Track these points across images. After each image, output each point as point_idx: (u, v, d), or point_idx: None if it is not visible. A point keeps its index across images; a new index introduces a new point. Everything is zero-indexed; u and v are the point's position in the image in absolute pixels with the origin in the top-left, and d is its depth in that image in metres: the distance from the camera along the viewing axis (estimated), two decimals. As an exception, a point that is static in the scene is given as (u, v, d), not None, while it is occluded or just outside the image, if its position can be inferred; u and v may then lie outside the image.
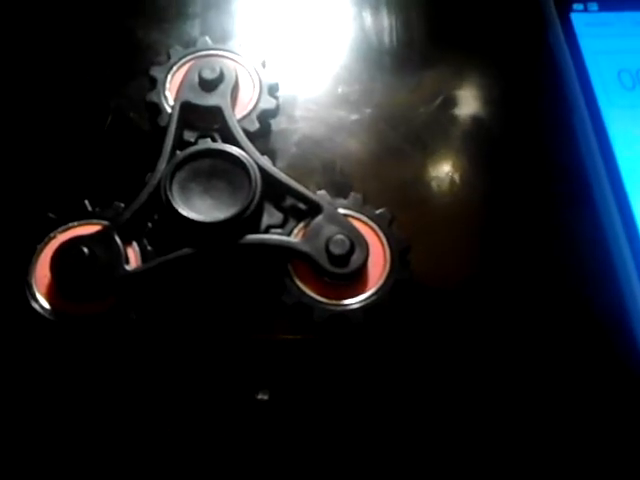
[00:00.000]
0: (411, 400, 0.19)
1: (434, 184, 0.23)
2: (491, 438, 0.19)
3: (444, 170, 0.23)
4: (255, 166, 0.19)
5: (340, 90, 0.24)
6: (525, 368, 0.20)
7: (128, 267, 0.18)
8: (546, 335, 0.20)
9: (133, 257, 0.19)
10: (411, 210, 0.22)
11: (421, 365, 0.20)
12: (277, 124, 0.23)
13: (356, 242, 0.19)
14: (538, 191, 0.22)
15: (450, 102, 0.24)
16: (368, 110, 0.24)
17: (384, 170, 0.23)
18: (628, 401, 0.19)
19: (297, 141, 0.23)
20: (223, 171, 0.19)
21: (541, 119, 0.24)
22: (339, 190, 0.21)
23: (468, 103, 0.24)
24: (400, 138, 0.23)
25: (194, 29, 0.24)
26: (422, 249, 0.21)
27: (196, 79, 0.20)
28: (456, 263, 0.21)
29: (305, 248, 0.19)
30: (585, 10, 0.24)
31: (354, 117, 0.24)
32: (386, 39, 0.25)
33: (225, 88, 0.20)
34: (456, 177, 0.23)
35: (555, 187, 0.22)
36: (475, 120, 0.24)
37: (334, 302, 0.19)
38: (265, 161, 0.20)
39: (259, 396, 0.19)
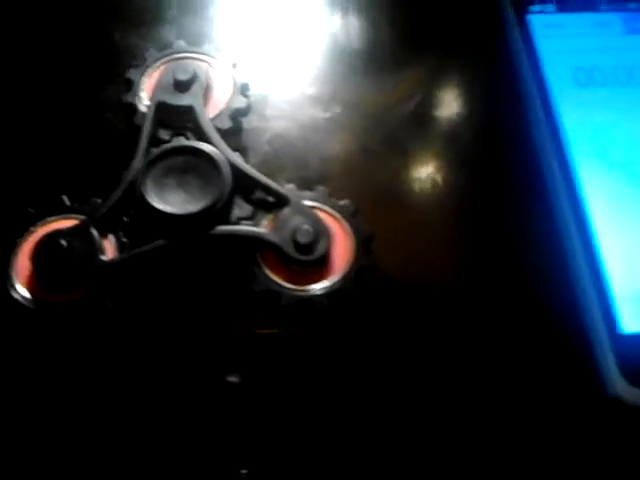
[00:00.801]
0: (384, 392, 0.20)
1: (401, 180, 0.24)
2: (456, 431, 0.20)
3: (412, 167, 0.24)
4: (226, 162, 0.20)
5: (311, 90, 0.25)
6: (476, 361, 0.20)
7: (104, 258, 0.19)
8: (498, 328, 0.21)
9: (110, 249, 0.20)
10: (378, 202, 0.23)
11: (385, 357, 0.20)
12: (250, 123, 0.24)
13: (320, 231, 0.20)
14: (501, 189, 0.23)
15: (418, 101, 0.25)
16: (338, 109, 0.25)
17: (353, 166, 0.24)
18: (582, 401, 0.20)
19: (269, 139, 0.24)
20: (195, 167, 0.20)
21: (501, 118, 0.25)
22: (308, 185, 0.22)
23: (434, 103, 0.26)
24: (369, 136, 0.25)
25: (171, 33, 0.25)
26: (386, 240, 0.22)
27: (170, 80, 0.22)
28: (420, 256, 0.22)
29: (273, 238, 0.20)
30: (542, 12, 0.25)
31: (325, 116, 0.25)
32: (356, 40, 0.27)
33: (198, 88, 0.22)
34: (426, 176, 0.24)
35: (513, 184, 0.23)
36: (440, 119, 0.25)
37: (301, 288, 0.20)
38: (236, 157, 0.21)
39: (230, 379, 0.20)
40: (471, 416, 0.20)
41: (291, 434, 0.20)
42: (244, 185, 0.21)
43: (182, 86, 0.21)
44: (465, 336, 0.21)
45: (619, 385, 0.19)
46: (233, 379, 0.20)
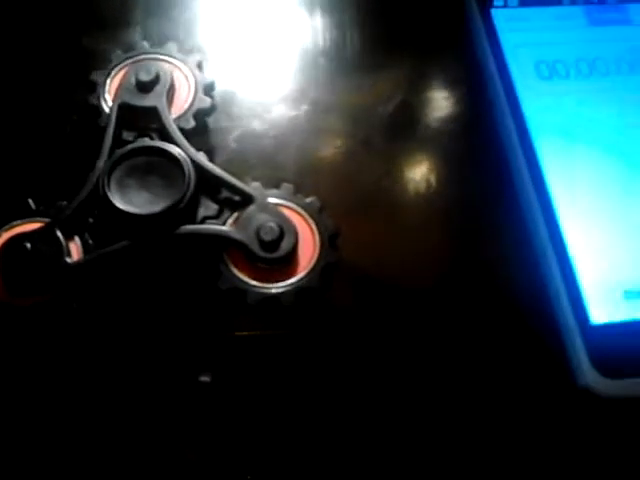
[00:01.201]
0: (363, 392, 0.20)
1: (370, 177, 0.24)
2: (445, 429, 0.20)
3: (381, 163, 0.24)
4: (189, 161, 0.20)
5: (280, 89, 0.25)
6: (449, 359, 0.21)
7: (69, 260, 0.19)
8: (468, 323, 0.21)
9: (75, 251, 0.20)
10: (345, 201, 0.24)
11: (362, 357, 0.21)
12: (216, 122, 0.24)
13: (285, 229, 0.20)
14: (466, 183, 0.24)
15: (384, 98, 0.25)
16: (307, 107, 0.25)
17: (320, 162, 0.24)
18: (553, 392, 0.20)
19: (236, 137, 0.24)
20: (159, 167, 0.20)
21: (470, 113, 0.25)
22: (276, 183, 0.22)
23: (403, 100, 0.26)
24: (337, 134, 0.25)
25: (137, 34, 0.26)
26: (354, 236, 0.22)
27: (133, 81, 0.22)
28: (390, 252, 0.23)
29: (237, 236, 0.20)
30: (505, 6, 0.26)
31: (292, 114, 0.25)
32: (323, 39, 0.27)
33: (161, 89, 0.22)
34: (392, 170, 0.24)
35: (484, 179, 0.24)
36: (407, 115, 0.25)
37: (267, 285, 0.20)
38: (200, 157, 0.21)
39: (201, 378, 0.20)
40: (443, 410, 0.20)
41: (274, 436, 0.20)
42: (209, 184, 0.21)
43: (145, 87, 0.21)
44: (436, 332, 0.21)
45: (590, 376, 0.19)
46: (205, 379, 0.20)
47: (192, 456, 0.19)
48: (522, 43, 0.25)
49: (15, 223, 0.20)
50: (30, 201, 0.21)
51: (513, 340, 0.21)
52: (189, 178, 0.20)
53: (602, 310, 0.20)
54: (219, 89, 0.24)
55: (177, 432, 0.19)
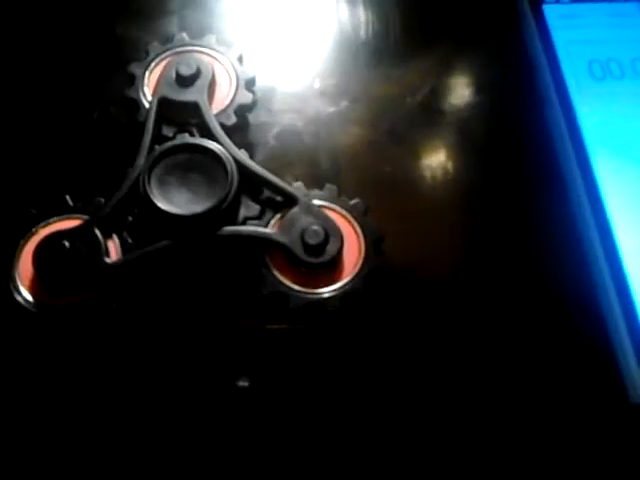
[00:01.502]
0: (394, 390, 0.20)
1: (412, 175, 0.23)
2: (470, 426, 0.19)
3: (422, 162, 0.23)
4: (231, 159, 0.19)
5: (318, 83, 0.25)
6: (498, 358, 0.20)
7: (108, 259, 0.19)
8: (517, 323, 0.20)
9: (114, 250, 0.19)
10: (389, 201, 0.23)
11: (403, 354, 0.20)
12: (256, 118, 0.23)
13: (330, 232, 0.19)
14: (513, 181, 0.23)
15: (428, 95, 0.25)
16: (345, 102, 0.24)
17: (362, 162, 0.24)
18: (604, 408, 0.19)
19: (276, 134, 0.23)
20: (200, 165, 0.19)
21: (517, 111, 0.24)
22: (317, 181, 0.21)
23: (445, 96, 0.25)
24: (377, 130, 0.24)
25: (174, 26, 0.25)
26: (400, 239, 0.21)
27: (173, 75, 0.21)
28: (434, 249, 0.22)
29: (280, 238, 0.19)
30: (557, 2, 0.25)
31: (332, 109, 0.24)
32: (362, 32, 0.26)
33: (202, 83, 0.21)
34: (434, 168, 0.23)
35: (529, 176, 0.23)
36: (453, 112, 0.25)
37: (310, 290, 0.19)
38: (242, 154, 0.20)
39: (240, 383, 0.20)
40: (484, 418, 0.19)
41: (302, 432, 0.19)
42: (251, 183, 0.20)
43: (186, 81, 0.21)
44: (479, 332, 0.20)
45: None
46: (243, 383, 0.20)
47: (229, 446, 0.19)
48: (574, 40, 0.24)
49: (52, 220, 0.19)
50: (68, 197, 0.20)
51: (563, 353, 0.20)
52: (232, 177, 0.19)
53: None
54: (259, 84, 0.24)
55: (213, 429, 0.19)
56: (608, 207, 0.21)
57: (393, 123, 0.24)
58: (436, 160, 0.24)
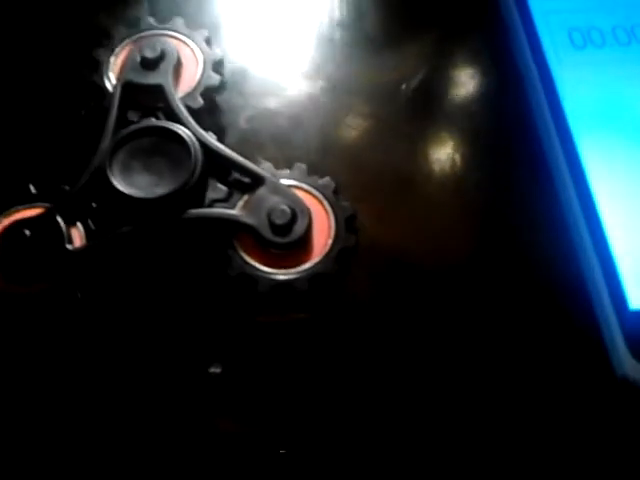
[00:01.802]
0: (380, 372, 0.19)
1: (387, 155, 0.23)
2: (468, 420, 0.19)
3: (400, 144, 0.23)
4: (196, 141, 0.19)
5: (292, 65, 0.24)
6: (485, 338, 0.19)
7: (70, 246, 0.18)
8: (503, 302, 0.20)
9: (78, 237, 0.19)
10: (363, 179, 0.22)
11: (390, 337, 0.20)
12: (228, 100, 0.23)
13: (298, 211, 0.19)
14: (495, 163, 0.22)
15: (406, 77, 0.24)
16: (320, 84, 0.24)
17: (336, 142, 0.23)
18: (590, 383, 0.19)
19: (248, 117, 0.23)
20: (164, 148, 0.19)
21: (497, 88, 0.24)
22: (289, 164, 0.21)
23: (425, 78, 0.24)
24: (353, 110, 0.23)
25: (142, 10, 0.24)
26: (374, 217, 0.21)
27: (138, 59, 0.21)
28: (413, 236, 0.21)
29: (247, 219, 0.19)
30: (534, -29, 0.24)
31: (307, 92, 0.24)
32: (337, 13, 0.25)
33: (166, 66, 0.20)
34: (411, 151, 0.23)
35: (514, 158, 0.22)
36: (431, 94, 0.24)
37: (280, 272, 0.19)
38: (208, 137, 0.20)
39: (212, 370, 0.19)
40: (475, 401, 0.19)
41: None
42: (218, 166, 0.20)
43: (150, 64, 0.20)
44: (469, 317, 0.20)
45: (628, 365, 0.18)
46: (215, 370, 0.19)
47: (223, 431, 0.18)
48: (553, 9, 0.23)
49: (15, 209, 0.19)
50: (31, 186, 0.20)
51: (545, 326, 0.19)
52: (196, 159, 0.19)
53: (641, 295, 0.19)
54: (231, 66, 0.23)
55: (196, 418, 0.19)
56: (592, 183, 0.20)
57: (372, 107, 0.24)
58: (416, 145, 0.23)
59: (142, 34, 0.22)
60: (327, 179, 0.20)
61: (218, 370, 0.19)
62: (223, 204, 0.19)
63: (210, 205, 0.19)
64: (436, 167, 0.23)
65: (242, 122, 0.23)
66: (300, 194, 0.19)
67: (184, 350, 0.19)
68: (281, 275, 0.19)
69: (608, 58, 0.22)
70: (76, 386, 0.19)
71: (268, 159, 0.21)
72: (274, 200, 0.19)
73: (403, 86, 0.24)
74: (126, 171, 0.19)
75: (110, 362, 0.19)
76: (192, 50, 0.22)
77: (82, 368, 0.19)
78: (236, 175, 0.20)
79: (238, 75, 0.24)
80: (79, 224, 0.19)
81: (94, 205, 0.19)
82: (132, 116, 0.20)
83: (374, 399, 0.19)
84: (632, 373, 0.18)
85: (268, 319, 0.20)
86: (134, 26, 0.22)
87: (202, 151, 0.19)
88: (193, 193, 0.19)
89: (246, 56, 0.24)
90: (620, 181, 0.20)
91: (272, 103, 0.23)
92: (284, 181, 0.20)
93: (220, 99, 0.23)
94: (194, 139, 0.19)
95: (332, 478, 0.18)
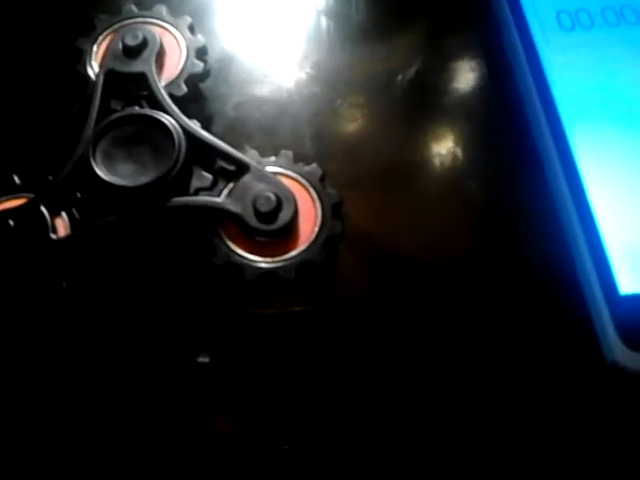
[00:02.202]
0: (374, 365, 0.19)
1: (377, 144, 0.22)
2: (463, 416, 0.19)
3: (387, 132, 0.23)
4: (179, 129, 0.19)
5: (279, 53, 0.24)
6: (477, 329, 0.19)
7: (54, 236, 0.18)
8: (494, 292, 0.20)
9: (62, 227, 0.19)
10: (352, 168, 0.22)
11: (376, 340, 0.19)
12: (214, 89, 0.23)
13: (283, 198, 0.18)
14: (483, 150, 0.22)
15: (393, 63, 0.24)
16: (308, 71, 0.24)
17: (324, 130, 0.23)
18: (581, 369, 0.19)
19: (235, 105, 0.23)
20: (147, 136, 0.19)
21: (490, 76, 0.23)
22: (277, 151, 0.21)
23: (412, 65, 0.24)
24: (341, 99, 0.23)
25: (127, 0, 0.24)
26: (363, 206, 0.21)
27: (120, 47, 0.20)
28: (400, 227, 0.21)
29: (231, 207, 0.18)
30: (521, -48, 0.24)
31: (294, 79, 0.23)
32: (325, 0, 0.25)
33: (149, 54, 0.20)
34: (399, 139, 0.22)
35: (503, 144, 0.22)
36: (420, 83, 0.24)
37: (266, 260, 0.18)
38: (192, 124, 0.19)
39: (200, 359, 0.19)
40: (467, 388, 0.19)
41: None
42: (202, 154, 0.19)
43: (132, 52, 0.20)
44: (461, 306, 0.20)
45: (618, 350, 0.18)
46: (203, 359, 0.19)
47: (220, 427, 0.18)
48: (541, -8, 0.23)
49: (-1, 199, 0.19)
50: (15, 176, 0.19)
51: (535, 312, 0.19)
52: (179, 147, 0.19)
53: (631, 279, 0.18)
54: (217, 54, 0.23)
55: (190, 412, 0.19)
56: (581, 166, 0.20)
57: (360, 95, 0.23)
58: (404, 133, 0.23)
59: (125, 22, 0.22)
60: (313, 166, 0.20)
61: (206, 360, 0.19)
62: (208, 192, 0.19)
63: (195, 193, 0.19)
64: (427, 156, 0.22)
65: (229, 110, 0.23)
66: (286, 181, 0.19)
67: (171, 341, 0.19)
68: (267, 263, 0.18)
69: (597, 40, 0.22)
70: (62, 379, 0.19)
71: (255, 147, 0.21)
72: (259, 187, 0.19)
73: (398, 77, 0.23)
74: (109, 160, 0.19)
75: (96, 352, 0.19)
76: (175, 37, 0.21)
77: (68, 360, 0.19)
78: (221, 163, 0.20)
79: (225, 63, 0.23)
80: (63, 214, 0.19)
81: (78, 194, 0.19)
82: (115, 105, 0.20)
83: (369, 394, 0.19)
84: (622, 359, 0.18)
85: (260, 312, 0.20)
86: (116, 14, 0.22)
87: (186, 139, 0.19)
88: (177, 181, 0.19)
89: (233, 44, 0.24)
90: (609, 165, 0.20)
91: (259, 91, 0.23)
92: (270, 168, 0.19)
93: (206, 87, 0.22)
94: (177, 127, 0.19)
95: (331, 475, 0.18)
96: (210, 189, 0.19)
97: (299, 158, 0.20)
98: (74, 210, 0.19)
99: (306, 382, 0.19)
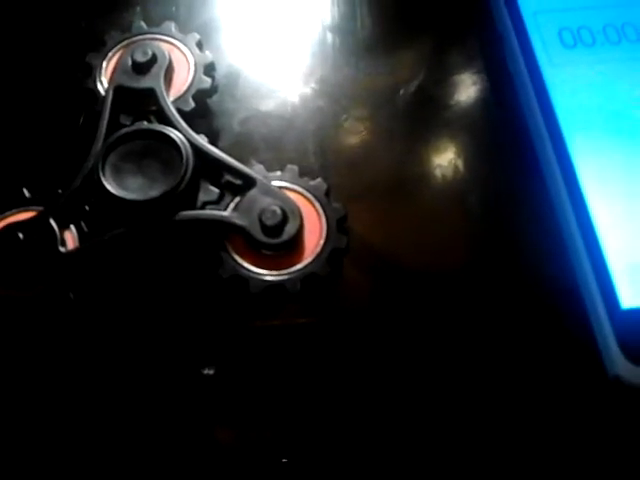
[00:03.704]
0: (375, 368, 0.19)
1: (381, 158, 0.23)
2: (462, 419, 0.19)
3: (393, 146, 0.23)
4: (187, 143, 0.19)
5: (285, 68, 0.24)
6: (477, 338, 0.19)
7: (63, 249, 0.18)
8: (493, 303, 0.20)
9: (71, 240, 0.19)
10: (357, 182, 0.22)
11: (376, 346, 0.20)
12: (220, 104, 0.23)
13: (289, 212, 0.19)
14: (486, 164, 0.22)
15: (399, 79, 0.24)
16: (313, 86, 0.24)
17: (330, 145, 0.23)
18: (583, 384, 0.19)
19: (241, 120, 0.23)
20: (155, 151, 0.19)
21: (492, 91, 0.24)
22: (283, 166, 0.21)
23: (418, 82, 0.24)
24: (346, 113, 0.23)
25: (136, 17, 0.25)
26: (368, 220, 0.21)
27: (129, 63, 0.21)
28: (404, 239, 0.21)
29: (237, 221, 0.19)
30: (524, -28, 0.24)
31: (299, 94, 0.24)
32: (330, 16, 0.25)
33: (158, 70, 0.21)
34: (405, 153, 0.23)
35: (505, 157, 0.22)
36: (426, 97, 0.24)
37: (271, 273, 0.19)
38: (200, 139, 0.20)
39: (205, 371, 0.19)
40: (468, 401, 0.19)
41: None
42: (209, 168, 0.20)
43: (141, 68, 0.21)
44: (462, 319, 0.20)
45: (620, 365, 0.18)
46: (208, 371, 0.19)
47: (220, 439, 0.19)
48: (543, 9, 0.23)
49: (8, 213, 0.19)
50: (25, 190, 0.20)
51: (537, 326, 0.19)
52: (187, 161, 0.19)
53: (633, 294, 0.18)
54: (224, 70, 0.24)
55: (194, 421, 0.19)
56: (582, 181, 0.20)
57: (363, 105, 0.24)
58: (410, 147, 0.23)
59: (134, 39, 0.22)
60: (319, 180, 0.20)
61: (211, 372, 0.19)
62: (215, 206, 0.19)
63: (202, 207, 0.19)
64: (429, 169, 0.23)
65: (236, 125, 0.23)
66: (291, 195, 0.19)
67: (177, 353, 0.19)
68: (273, 276, 0.19)
69: (599, 57, 0.22)
70: (70, 390, 0.19)
71: (261, 162, 0.21)
72: (265, 201, 0.19)
73: (401, 91, 0.24)
74: (118, 174, 0.19)
75: (103, 364, 0.19)
76: (184, 53, 0.22)
77: (76, 371, 0.19)
78: (228, 177, 0.20)
79: (231, 78, 0.24)
80: (72, 227, 0.19)
81: (87, 208, 0.19)
82: (124, 120, 0.20)
83: (371, 405, 0.19)
84: (624, 373, 0.18)
85: (264, 324, 0.20)
86: (126, 31, 0.22)
87: (193, 153, 0.19)
88: (184, 195, 0.19)
89: (239, 60, 0.24)
90: (611, 180, 0.20)
91: (265, 106, 0.24)
92: (275, 183, 0.20)
93: (213, 102, 0.23)
94: (185, 141, 0.19)
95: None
96: (217, 203, 0.19)
97: (304, 172, 0.20)
98: (83, 223, 0.19)
99: (309, 394, 0.19)
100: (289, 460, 0.18)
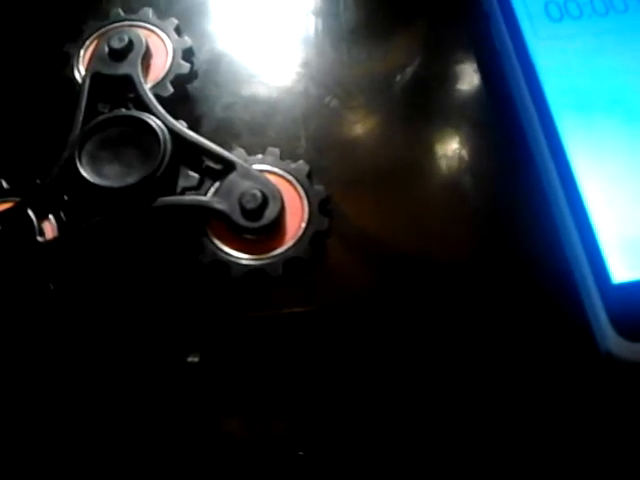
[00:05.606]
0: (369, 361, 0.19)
1: (363, 140, 0.22)
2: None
3: (378, 129, 0.23)
4: (165, 129, 0.19)
5: (267, 53, 0.24)
6: (470, 321, 0.19)
7: (41, 239, 0.18)
8: (486, 284, 0.20)
9: (50, 230, 0.19)
10: (343, 167, 0.22)
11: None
12: (202, 90, 0.23)
13: (269, 195, 0.18)
14: (474, 144, 0.22)
15: (382, 61, 0.24)
16: (297, 71, 0.24)
17: (314, 130, 0.23)
18: (575, 360, 0.18)
19: (224, 105, 0.23)
20: (133, 137, 0.19)
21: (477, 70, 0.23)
22: (263, 149, 0.21)
23: (403, 62, 0.24)
24: (330, 95, 0.23)
25: (115, 5, 0.24)
26: (359, 205, 0.21)
27: (106, 50, 0.20)
28: (391, 225, 0.21)
29: (217, 205, 0.18)
30: (508, -57, 0.23)
31: (282, 79, 0.23)
32: (315, 0, 0.25)
33: (135, 56, 0.20)
34: (390, 137, 0.22)
35: (492, 138, 0.22)
36: (406, 75, 0.23)
37: (253, 257, 0.18)
38: (178, 124, 0.19)
39: (189, 359, 0.19)
40: (464, 385, 0.19)
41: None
42: (189, 153, 0.19)
43: (118, 55, 0.20)
44: (453, 299, 0.19)
45: (612, 340, 0.17)
46: (192, 359, 0.19)
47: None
48: (528, -17, 0.23)
49: (-13, 204, 0.19)
50: (2, 180, 0.20)
51: (528, 303, 0.19)
52: (165, 147, 0.19)
53: (624, 268, 0.18)
54: (206, 56, 0.23)
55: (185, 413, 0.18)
56: (570, 155, 0.20)
57: (347, 88, 0.23)
58: (395, 131, 0.23)
59: (111, 26, 0.22)
60: (300, 162, 0.20)
61: (196, 359, 0.19)
62: (195, 192, 0.19)
63: (181, 193, 0.19)
64: (419, 155, 0.22)
65: (218, 110, 0.23)
66: (272, 179, 0.19)
67: (160, 341, 0.19)
68: (254, 260, 0.18)
69: (586, 30, 0.22)
70: (52, 381, 0.19)
71: (244, 147, 0.21)
72: (245, 185, 0.19)
73: (389, 75, 0.23)
74: (96, 162, 0.19)
75: (85, 354, 0.19)
76: (161, 39, 0.22)
77: (56, 362, 0.19)
78: (208, 162, 0.20)
79: (213, 64, 0.23)
80: (51, 216, 0.19)
81: (65, 197, 0.19)
82: (102, 107, 0.20)
83: (367, 395, 0.19)
84: (616, 349, 0.17)
85: (257, 313, 0.20)
86: (104, 19, 0.22)
87: (171, 139, 0.19)
88: (163, 181, 0.19)
89: (221, 45, 0.24)
90: (600, 154, 0.20)
91: (248, 91, 0.23)
92: (256, 166, 0.19)
93: (195, 88, 0.22)
94: (163, 127, 0.19)
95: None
96: (197, 188, 0.19)
97: (289, 157, 0.20)
98: (61, 213, 0.19)
99: (302, 385, 0.19)
100: (286, 455, 0.18)
